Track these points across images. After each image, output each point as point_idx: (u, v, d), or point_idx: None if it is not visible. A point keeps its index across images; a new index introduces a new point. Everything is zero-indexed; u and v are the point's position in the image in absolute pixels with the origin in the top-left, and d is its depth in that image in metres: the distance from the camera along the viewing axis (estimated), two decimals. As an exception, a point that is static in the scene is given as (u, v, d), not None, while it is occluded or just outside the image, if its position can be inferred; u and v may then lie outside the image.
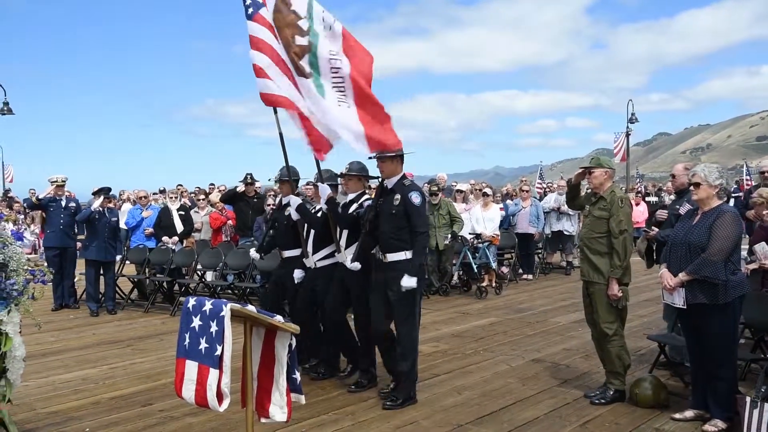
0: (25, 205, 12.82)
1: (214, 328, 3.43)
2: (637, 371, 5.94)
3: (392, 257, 5.29)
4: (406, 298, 5.23)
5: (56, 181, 9.75)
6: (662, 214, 5.95)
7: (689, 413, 4.84)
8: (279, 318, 3.63)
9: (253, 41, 5.69)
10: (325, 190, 5.72)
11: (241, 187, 10.57)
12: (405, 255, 5.25)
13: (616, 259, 5.09)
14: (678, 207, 5.67)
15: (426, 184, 11.84)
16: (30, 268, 2.66)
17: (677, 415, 4.88)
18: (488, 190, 12.02)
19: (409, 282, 5.14)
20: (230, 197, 10.88)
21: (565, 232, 13.25)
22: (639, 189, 20.16)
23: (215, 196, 12.51)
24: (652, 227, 5.83)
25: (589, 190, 5.66)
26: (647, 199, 18.29)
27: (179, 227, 10.84)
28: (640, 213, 16.12)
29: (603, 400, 5.26)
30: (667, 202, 9.37)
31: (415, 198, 5.22)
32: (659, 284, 4.84)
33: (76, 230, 10.20)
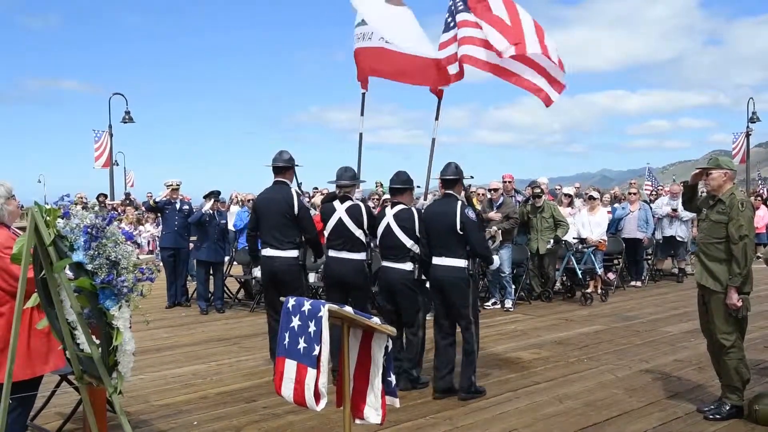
0: (144, 207, 13.61)
1: (312, 328, 3.48)
2: (757, 386, 5.53)
3: None
4: None
5: (171, 185, 10.27)
6: None
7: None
8: (376, 320, 3.64)
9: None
10: None
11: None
12: None
13: (736, 267, 4.75)
14: None
15: (528, 187, 11.58)
16: (140, 266, 2.81)
17: (803, 436, 4.51)
18: (595, 194, 11.58)
19: None
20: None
21: (678, 238, 12.57)
22: (760, 192, 18.87)
23: (318, 199, 12.74)
24: None
25: (703, 193, 5.33)
26: (770, 203, 17.09)
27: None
28: (760, 218, 15.10)
29: (718, 416, 4.93)
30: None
31: None
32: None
33: (189, 232, 10.70)
